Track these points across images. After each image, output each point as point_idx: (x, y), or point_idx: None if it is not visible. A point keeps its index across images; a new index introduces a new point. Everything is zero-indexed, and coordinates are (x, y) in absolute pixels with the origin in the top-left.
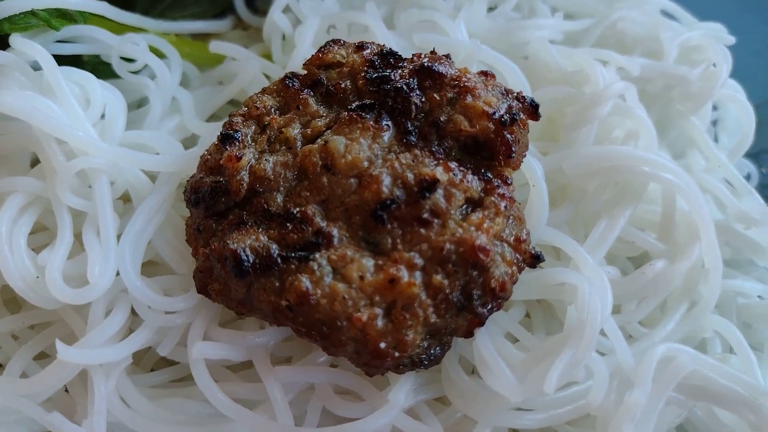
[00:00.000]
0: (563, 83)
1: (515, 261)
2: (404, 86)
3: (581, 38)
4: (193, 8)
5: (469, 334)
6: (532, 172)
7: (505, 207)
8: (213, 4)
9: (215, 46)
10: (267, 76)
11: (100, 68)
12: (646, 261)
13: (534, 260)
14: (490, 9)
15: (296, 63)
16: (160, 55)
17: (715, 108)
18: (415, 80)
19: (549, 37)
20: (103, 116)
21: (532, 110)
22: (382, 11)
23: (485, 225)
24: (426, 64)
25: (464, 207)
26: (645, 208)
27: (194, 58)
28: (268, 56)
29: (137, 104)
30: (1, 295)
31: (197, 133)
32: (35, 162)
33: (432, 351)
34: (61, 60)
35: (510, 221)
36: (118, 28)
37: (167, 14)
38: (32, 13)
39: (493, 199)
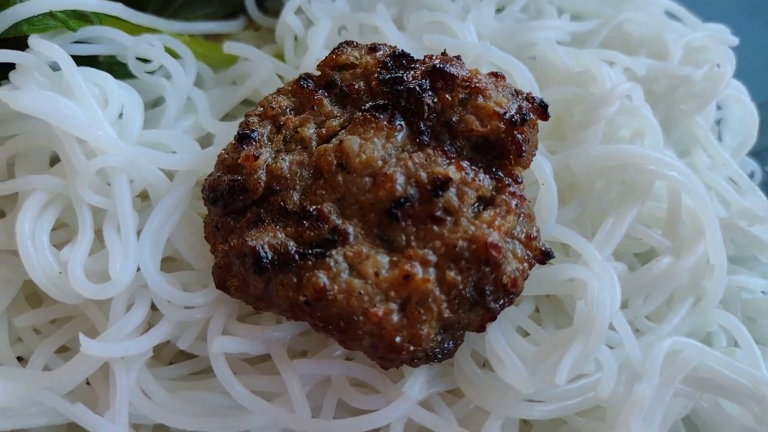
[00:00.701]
0: (570, 83)
1: (526, 258)
2: (417, 87)
3: (587, 39)
4: (204, 9)
5: (481, 328)
6: (541, 170)
7: (516, 205)
8: (224, 5)
9: (229, 47)
10: (280, 77)
11: (116, 68)
12: (652, 257)
13: (544, 257)
14: (498, 10)
15: (309, 64)
16: (175, 55)
17: (718, 107)
18: (427, 81)
19: (556, 38)
20: (120, 116)
21: (542, 110)
22: (392, 12)
23: (497, 222)
24: (438, 65)
25: (476, 205)
26: (651, 206)
27: (207, 58)
28: (280, 56)
29: (152, 104)
30: (23, 290)
31: (212, 132)
32: (53, 160)
33: (445, 345)
34: (77, 60)
35: (521, 219)
36: (133, 29)
37: (179, 15)
38: (50, 14)
39: (504, 197)
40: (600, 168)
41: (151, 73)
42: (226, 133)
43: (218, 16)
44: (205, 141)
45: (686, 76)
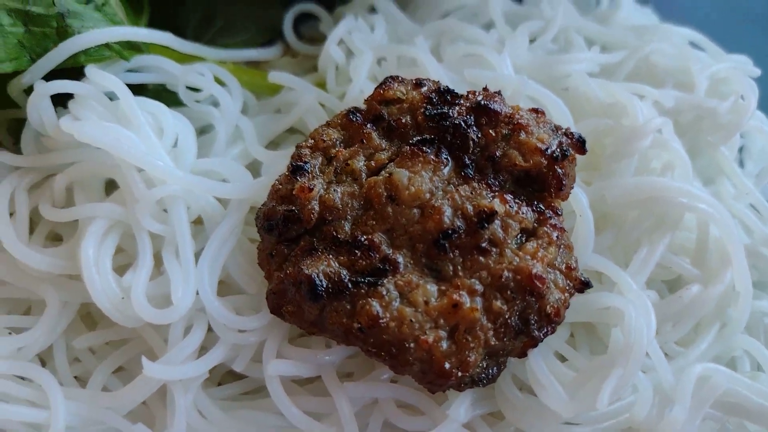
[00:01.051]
0: (601, 115)
1: (567, 287)
2: (462, 123)
3: (615, 70)
4: (241, 35)
5: (522, 354)
6: (578, 202)
7: (557, 237)
8: (261, 31)
9: (274, 77)
10: (321, 105)
11: (163, 96)
12: (679, 284)
13: (583, 286)
14: (530, 40)
15: (353, 95)
16: (221, 83)
17: (741, 135)
18: (471, 117)
19: (587, 70)
20: (175, 144)
21: (580, 145)
22: (428, 44)
23: (540, 254)
24: (482, 102)
25: (519, 236)
26: (680, 235)
27: (251, 86)
28: (320, 84)
29: (199, 131)
30: (78, 311)
31: (260, 159)
32: (107, 186)
33: (490, 370)
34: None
35: (561, 250)
36: (178, 56)
37: (217, 41)
38: (107, 45)
39: (545, 229)
40: (633, 200)
41: (198, 101)
42: (273, 161)
43: (256, 43)
44: (251, 167)
45: (712, 109)
